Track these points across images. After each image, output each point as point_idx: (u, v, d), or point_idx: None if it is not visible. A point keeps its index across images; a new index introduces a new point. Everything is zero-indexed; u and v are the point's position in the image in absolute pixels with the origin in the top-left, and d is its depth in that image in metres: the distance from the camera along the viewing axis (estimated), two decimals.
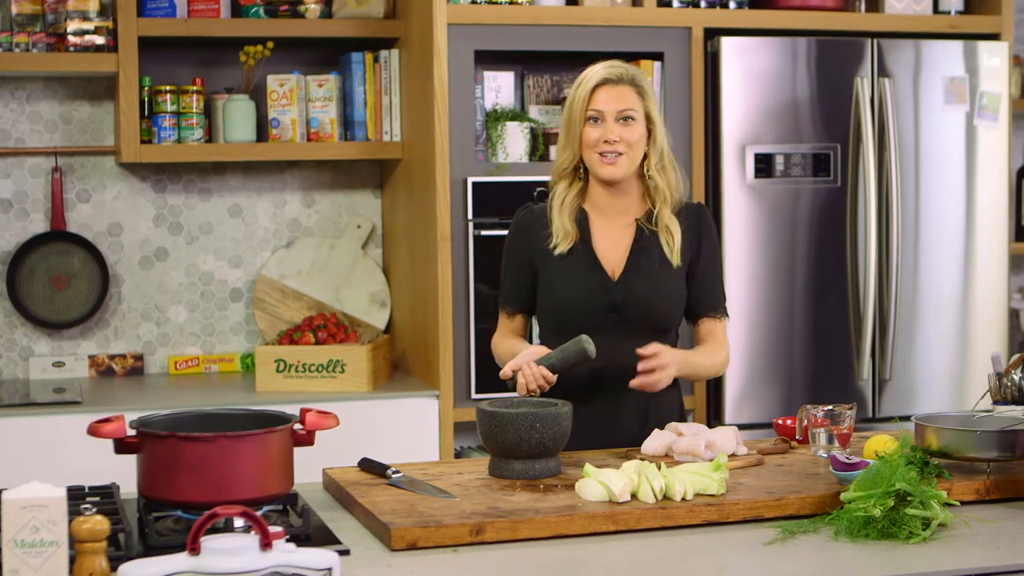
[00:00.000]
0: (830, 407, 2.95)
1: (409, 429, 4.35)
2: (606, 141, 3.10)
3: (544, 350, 3.00)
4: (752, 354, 4.58)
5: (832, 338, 4.65)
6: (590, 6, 4.51)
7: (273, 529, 2.15)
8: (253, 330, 4.91)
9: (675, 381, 3.18)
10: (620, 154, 3.11)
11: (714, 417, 4.61)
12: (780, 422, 3.15)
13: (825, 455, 2.89)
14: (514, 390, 3.00)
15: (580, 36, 4.50)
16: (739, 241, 4.54)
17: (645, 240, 3.19)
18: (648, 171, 3.17)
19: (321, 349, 4.41)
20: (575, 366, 2.98)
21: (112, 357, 4.80)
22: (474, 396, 4.37)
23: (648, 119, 3.15)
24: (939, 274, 4.75)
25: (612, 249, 3.19)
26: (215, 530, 2.38)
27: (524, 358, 2.98)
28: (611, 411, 3.15)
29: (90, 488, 2.72)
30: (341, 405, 4.24)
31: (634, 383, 3.02)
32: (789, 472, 2.79)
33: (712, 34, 4.58)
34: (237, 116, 4.63)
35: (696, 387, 4.60)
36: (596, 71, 3.14)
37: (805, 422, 3.00)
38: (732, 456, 2.87)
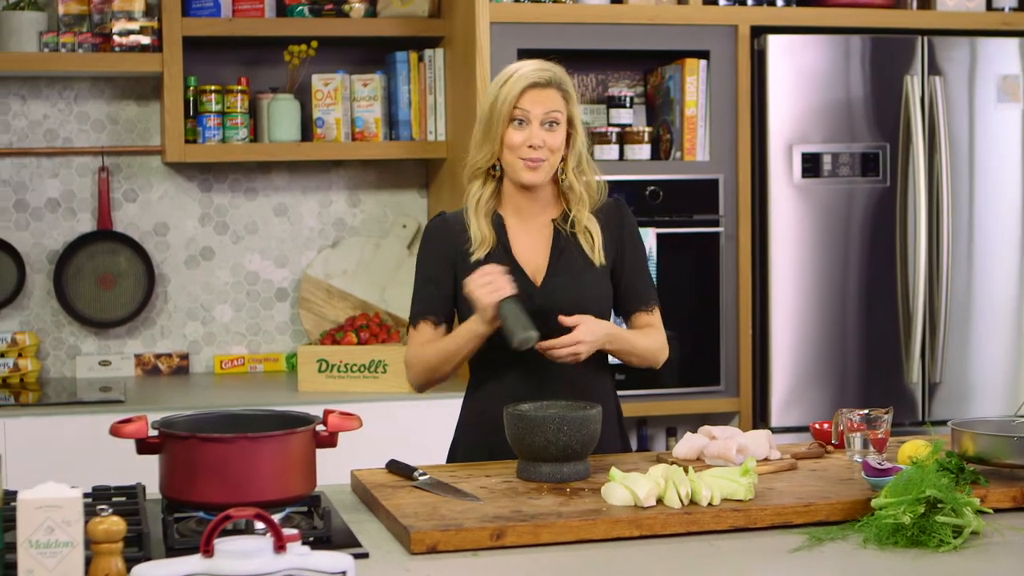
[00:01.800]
0: (866, 411, 2.89)
1: (451, 431, 4.31)
2: (530, 146, 2.99)
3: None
4: (799, 356, 4.53)
5: (881, 340, 4.59)
6: (635, 4, 4.47)
7: (288, 532, 2.13)
8: (299, 330, 4.91)
9: (609, 380, 3.14)
10: (543, 160, 3.01)
11: (760, 419, 4.56)
12: (817, 426, 3.09)
13: (860, 460, 2.84)
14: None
15: (624, 34, 4.46)
16: (786, 241, 4.49)
17: (564, 241, 3.09)
18: (564, 175, 3.07)
19: (363, 349, 4.40)
20: (509, 335, 2.89)
21: (158, 356, 4.82)
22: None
23: (570, 123, 3.05)
24: (994, 275, 4.67)
25: (532, 252, 3.09)
26: (234, 531, 2.37)
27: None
28: None
29: (115, 488, 2.71)
30: (383, 405, 4.27)
31: (542, 345, 2.92)
32: (822, 477, 2.74)
33: (758, 32, 4.53)
34: (282, 116, 4.63)
35: (742, 389, 4.55)
36: (525, 71, 3.02)
37: (841, 426, 2.94)
38: (764, 460, 2.83)
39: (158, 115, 4.75)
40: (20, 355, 4.63)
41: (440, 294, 3.10)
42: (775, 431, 4.49)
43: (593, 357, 3.02)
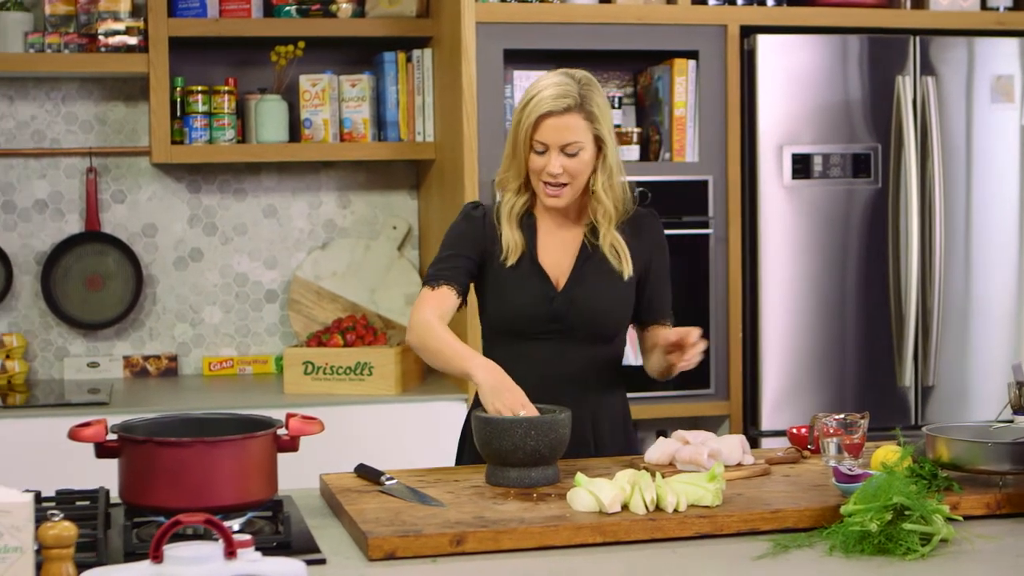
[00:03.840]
0: (843, 415, 2.85)
1: (436, 433, 4.29)
2: (549, 174, 2.97)
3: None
4: (790, 359, 4.48)
5: (873, 343, 4.54)
6: (622, 4, 4.44)
7: (240, 537, 2.11)
8: (288, 332, 4.89)
9: (620, 384, 3.17)
10: (564, 184, 2.99)
11: (751, 423, 4.52)
12: (794, 431, 3.05)
13: (834, 465, 2.80)
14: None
15: (613, 34, 4.42)
16: (776, 243, 4.45)
17: (591, 250, 3.08)
18: (594, 189, 3.03)
19: (349, 351, 4.37)
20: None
21: (147, 358, 4.79)
22: None
23: (598, 141, 2.99)
24: (991, 277, 4.62)
25: (559, 259, 3.08)
26: (194, 536, 2.35)
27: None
28: None
29: (79, 492, 2.68)
30: (368, 408, 4.26)
31: (682, 366, 2.95)
32: (794, 483, 2.70)
33: (748, 32, 4.48)
34: (269, 116, 4.61)
35: (732, 392, 4.51)
36: (542, 97, 2.94)
37: (817, 431, 2.90)
38: (737, 466, 2.79)
39: (146, 116, 4.73)
40: (8, 357, 4.61)
41: (464, 269, 3.08)
42: (765, 435, 4.45)
43: (603, 357, 3.08)
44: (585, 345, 3.04)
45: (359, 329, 4.50)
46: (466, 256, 3.08)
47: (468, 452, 3.16)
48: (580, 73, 3.01)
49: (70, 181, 4.74)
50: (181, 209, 4.82)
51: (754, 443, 4.47)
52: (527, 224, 3.09)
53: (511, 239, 3.06)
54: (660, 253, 3.15)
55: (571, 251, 3.08)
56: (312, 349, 4.40)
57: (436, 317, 3.01)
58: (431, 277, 3.09)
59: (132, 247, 4.76)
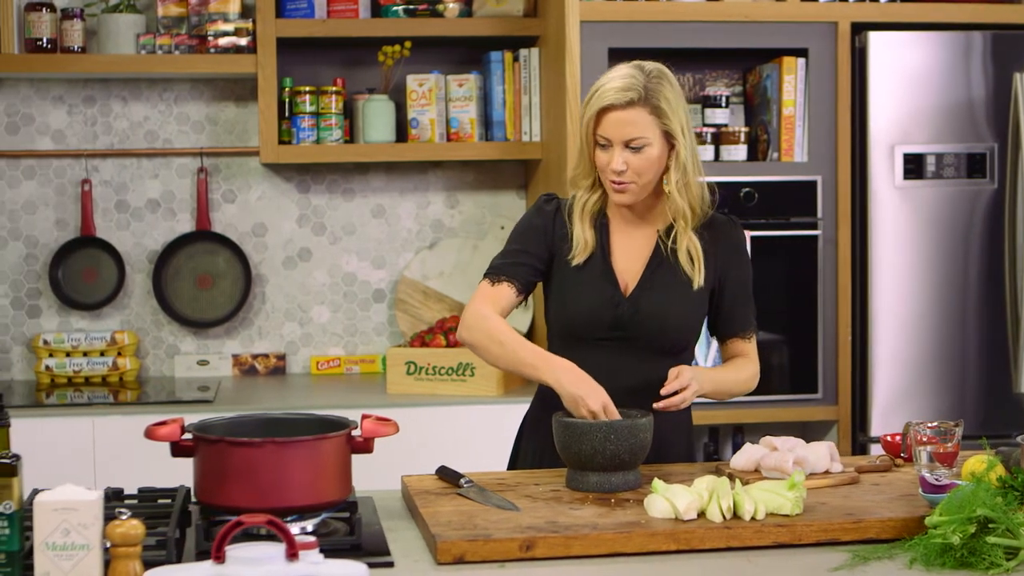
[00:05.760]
0: (936, 423, 2.76)
1: None
2: (613, 170, 2.86)
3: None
4: (902, 364, 4.37)
5: (988, 348, 4.41)
6: (730, 1, 4.36)
7: (305, 539, 2.10)
8: (395, 331, 4.89)
9: None
10: (629, 183, 2.87)
11: (860, 429, 4.42)
12: (888, 438, 2.97)
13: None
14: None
15: (720, 32, 4.36)
16: (887, 245, 4.34)
17: (663, 256, 2.95)
18: (667, 188, 2.90)
19: (452, 352, 4.36)
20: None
21: (255, 356, 4.84)
22: None
23: (668, 136, 2.86)
24: None
25: (630, 262, 2.96)
26: (268, 537, 2.35)
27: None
28: None
29: (161, 490, 2.70)
30: (470, 409, 4.24)
31: (658, 406, 2.79)
32: (882, 492, 2.62)
33: (859, 29, 4.38)
34: (376, 116, 4.62)
35: (841, 397, 4.41)
36: (605, 90, 2.84)
37: (909, 439, 2.81)
38: (825, 474, 2.72)
39: (256, 116, 4.77)
40: (119, 354, 4.69)
41: (529, 266, 2.97)
42: (875, 441, 4.35)
43: (668, 368, 2.87)
44: (649, 355, 2.91)
45: None
46: (529, 252, 2.97)
47: (523, 455, 3.09)
48: (652, 65, 2.90)
49: (182, 181, 4.80)
50: (290, 209, 4.85)
51: (863, 449, 4.37)
52: (600, 224, 2.98)
53: (581, 237, 2.94)
54: (739, 262, 3.01)
55: (643, 255, 2.97)
56: (415, 349, 4.40)
57: (495, 314, 2.91)
58: (493, 270, 2.99)
59: (242, 246, 4.80)
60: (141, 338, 4.80)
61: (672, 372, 2.82)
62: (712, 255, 2.96)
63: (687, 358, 2.99)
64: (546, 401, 2.99)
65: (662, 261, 2.95)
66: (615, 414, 2.73)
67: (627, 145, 2.84)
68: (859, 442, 4.41)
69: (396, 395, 4.36)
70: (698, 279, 2.93)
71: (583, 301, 2.94)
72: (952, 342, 4.40)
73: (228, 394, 4.43)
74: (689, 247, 2.93)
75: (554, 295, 3.00)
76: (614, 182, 2.89)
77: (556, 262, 2.98)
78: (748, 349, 3.05)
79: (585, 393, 2.74)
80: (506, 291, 2.95)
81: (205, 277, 4.81)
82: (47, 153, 4.73)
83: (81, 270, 4.75)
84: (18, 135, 4.73)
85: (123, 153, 4.77)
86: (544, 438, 2.94)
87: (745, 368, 3.02)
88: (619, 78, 2.85)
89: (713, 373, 2.97)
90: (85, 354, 4.67)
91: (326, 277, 4.89)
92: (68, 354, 4.67)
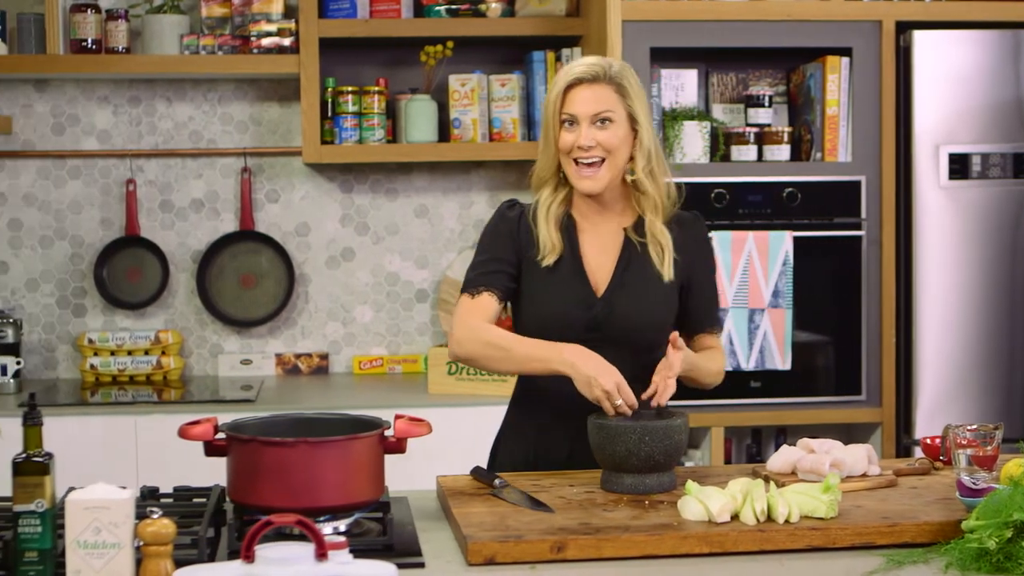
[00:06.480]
0: (976, 426, 2.73)
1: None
2: (580, 147, 2.85)
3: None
4: (947, 365, 4.33)
5: None
6: (773, 0, 4.33)
7: (334, 539, 2.10)
8: (438, 331, 4.90)
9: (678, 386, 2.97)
10: (600, 161, 2.86)
11: (904, 431, 4.38)
12: (927, 441, 2.94)
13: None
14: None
15: (763, 31, 4.33)
16: (932, 245, 4.30)
17: (633, 252, 2.94)
18: (635, 176, 2.90)
19: None
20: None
21: (298, 356, 4.85)
22: None
23: (632, 119, 2.87)
24: None
25: (600, 261, 2.95)
26: (300, 537, 2.35)
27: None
28: None
29: (196, 489, 2.71)
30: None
31: (653, 400, 2.77)
32: (919, 496, 2.60)
33: (904, 27, 4.35)
34: (419, 116, 4.62)
35: (885, 399, 4.38)
36: (569, 69, 2.88)
37: (949, 442, 2.78)
38: (862, 476, 2.69)
39: (299, 116, 4.78)
40: (163, 353, 4.71)
41: (504, 272, 2.95)
42: (919, 444, 4.30)
43: (644, 365, 2.87)
44: (625, 353, 2.87)
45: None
46: (501, 260, 2.95)
47: (500, 458, 3.08)
48: (617, 60, 2.97)
49: (225, 181, 4.82)
50: (333, 209, 4.86)
51: (907, 452, 4.33)
52: (566, 225, 2.96)
53: (548, 239, 2.92)
54: (705, 257, 3.03)
55: (612, 253, 2.95)
56: None
57: (484, 323, 2.89)
58: (470, 283, 2.96)
59: (285, 246, 4.82)
60: (185, 337, 4.83)
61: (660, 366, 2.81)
62: (680, 251, 2.96)
63: (660, 354, 2.89)
64: (521, 407, 3.04)
65: (631, 259, 2.94)
66: (629, 393, 2.72)
67: (593, 121, 2.85)
68: (903, 445, 4.37)
69: (438, 395, 4.36)
70: (668, 272, 2.93)
71: (556, 303, 2.92)
72: (998, 344, 4.35)
73: (270, 393, 4.45)
74: (659, 238, 2.93)
75: (525, 299, 2.96)
76: (582, 163, 2.87)
77: (525, 266, 2.95)
78: (715, 343, 3.06)
79: (598, 373, 2.73)
80: (488, 300, 2.93)
81: (249, 276, 4.83)
82: (92, 153, 4.77)
83: (126, 269, 4.78)
84: (64, 135, 4.77)
85: (167, 153, 4.80)
86: (520, 445, 3.00)
87: (716, 360, 3.01)
88: (585, 63, 2.91)
89: (692, 356, 2.90)
90: (129, 353, 4.70)
91: (369, 277, 4.90)
92: (113, 353, 4.70)
